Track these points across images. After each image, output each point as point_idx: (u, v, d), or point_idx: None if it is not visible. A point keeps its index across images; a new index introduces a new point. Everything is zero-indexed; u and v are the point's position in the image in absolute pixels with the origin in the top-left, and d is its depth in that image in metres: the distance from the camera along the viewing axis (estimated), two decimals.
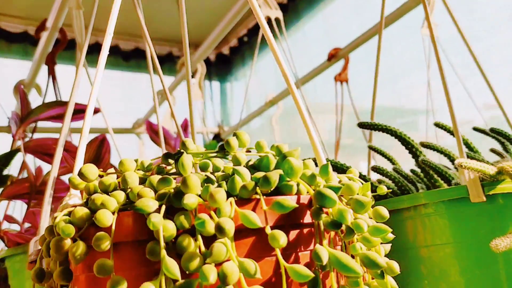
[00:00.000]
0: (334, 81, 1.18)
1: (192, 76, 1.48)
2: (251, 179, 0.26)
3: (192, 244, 0.23)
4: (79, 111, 0.76)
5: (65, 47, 0.99)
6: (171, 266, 0.22)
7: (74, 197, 0.32)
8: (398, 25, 1.05)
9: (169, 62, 2.19)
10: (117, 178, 0.33)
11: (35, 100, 1.25)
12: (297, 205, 0.24)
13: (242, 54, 2.13)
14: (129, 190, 0.28)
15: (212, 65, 2.26)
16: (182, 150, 0.29)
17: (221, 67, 2.26)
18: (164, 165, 0.31)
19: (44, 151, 0.74)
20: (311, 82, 1.63)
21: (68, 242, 0.26)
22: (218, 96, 2.28)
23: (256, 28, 2.04)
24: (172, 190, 0.25)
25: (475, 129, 0.57)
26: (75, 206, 0.30)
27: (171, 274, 0.22)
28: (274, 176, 0.25)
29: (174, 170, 0.31)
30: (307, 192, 0.27)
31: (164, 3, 1.92)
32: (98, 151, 0.63)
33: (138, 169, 0.30)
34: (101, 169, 0.63)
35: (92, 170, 0.30)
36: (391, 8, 1.31)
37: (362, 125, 0.45)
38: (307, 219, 0.26)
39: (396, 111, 1.65)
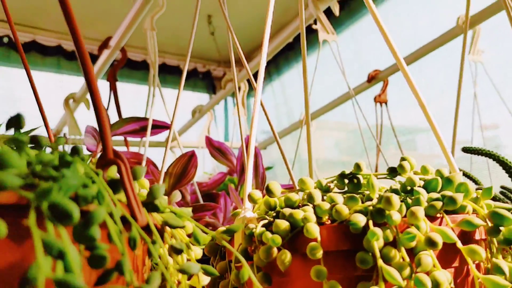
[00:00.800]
0: (374, 101, 1.23)
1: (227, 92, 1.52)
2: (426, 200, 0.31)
3: (397, 255, 0.27)
4: (156, 127, 0.81)
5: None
6: (393, 273, 0.26)
7: (248, 211, 0.36)
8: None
9: (194, 77, 2.24)
10: (264, 194, 0.37)
11: (83, 113, 1.30)
12: (484, 223, 0.28)
13: (268, 70, 2.19)
14: (315, 205, 0.32)
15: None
16: (354, 172, 0.33)
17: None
18: (330, 184, 0.35)
19: None
20: (321, 100, 1.68)
21: (275, 250, 0.30)
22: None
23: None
24: (372, 208, 0.29)
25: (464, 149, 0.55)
26: (256, 218, 0.34)
27: (394, 280, 0.26)
28: (460, 197, 0.29)
29: (337, 189, 0.35)
30: (473, 211, 0.31)
31: (191, 20, 1.97)
32: (186, 166, 0.67)
33: (315, 187, 0.34)
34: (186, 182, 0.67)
35: (277, 187, 0.34)
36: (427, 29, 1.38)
37: (466, 150, 0.49)
38: (477, 235, 0.30)
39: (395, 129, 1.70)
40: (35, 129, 0.66)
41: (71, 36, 0.28)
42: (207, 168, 1.61)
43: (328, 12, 1.02)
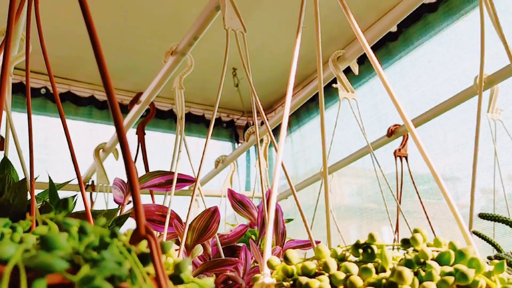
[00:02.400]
0: (393, 155, 1.24)
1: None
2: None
3: None
4: (182, 180, 0.84)
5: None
6: None
7: (266, 276, 0.38)
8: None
9: (217, 126, 2.30)
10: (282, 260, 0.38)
11: (113, 163, 1.35)
12: None
13: (288, 120, 2.23)
14: (330, 274, 0.33)
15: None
16: (368, 242, 0.35)
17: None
18: (344, 252, 0.36)
19: (147, 216, 0.80)
20: (341, 150, 1.69)
21: None
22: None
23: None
24: (385, 281, 0.30)
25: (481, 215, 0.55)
26: (274, 285, 0.35)
27: None
28: (471, 273, 0.30)
29: (353, 258, 0.36)
30: (487, 285, 0.32)
31: (217, 72, 2.06)
32: (209, 221, 0.70)
33: (331, 256, 0.36)
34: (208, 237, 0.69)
35: (294, 256, 0.35)
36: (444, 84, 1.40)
37: (483, 216, 0.50)
38: None
39: (418, 177, 1.67)
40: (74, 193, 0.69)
41: (104, 88, 0.31)
42: (229, 216, 1.63)
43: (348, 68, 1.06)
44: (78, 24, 1.68)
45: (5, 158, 0.72)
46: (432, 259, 0.34)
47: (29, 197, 0.69)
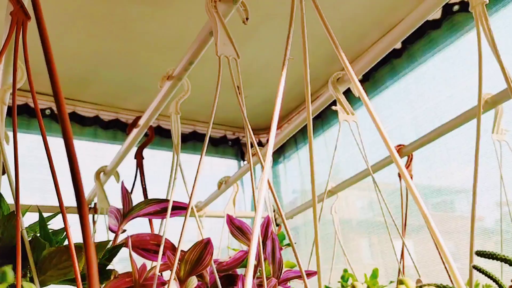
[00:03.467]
0: (398, 176, 1.21)
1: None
2: None
3: None
4: (176, 208, 0.82)
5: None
6: None
7: None
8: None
9: (223, 144, 2.29)
10: None
11: (114, 186, 1.34)
12: None
13: (295, 138, 2.22)
14: None
15: (264, 147, 2.35)
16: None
17: (274, 150, 2.35)
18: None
19: (142, 246, 0.79)
20: (347, 168, 1.66)
21: None
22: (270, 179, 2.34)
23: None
24: None
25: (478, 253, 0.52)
26: None
27: None
28: None
29: None
30: None
31: (221, 91, 2.05)
32: (202, 253, 0.68)
33: None
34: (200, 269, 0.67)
35: None
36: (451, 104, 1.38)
37: (480, 254, 0.47)
38: None
39: (431, 189, 1.63)
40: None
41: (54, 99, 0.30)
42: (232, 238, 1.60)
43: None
44: (83, 46, 1.70)
45: None
46: None
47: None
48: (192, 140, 2.21)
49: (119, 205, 1.42)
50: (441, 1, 0.74)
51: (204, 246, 0.68)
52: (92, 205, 1.49)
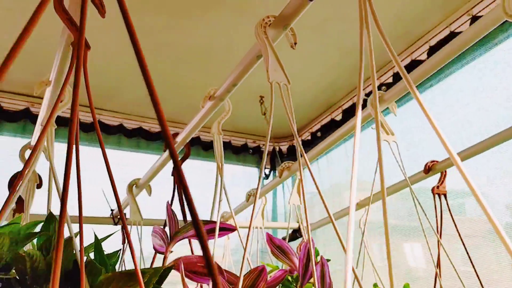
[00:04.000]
0: (432, 193, 1.21)
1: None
2: None
3: None
4: (223, 229, 0.83)
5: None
6: None
7: None
8: None
9: (243, 152, 2.30)
10: None
11: (144, 199, 1.35)
12: None
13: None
14: None
15: (284, 156, 2.35)
16: None
17: (292, 158, 2.35)
18: None
19: (189, 268, 0.80)
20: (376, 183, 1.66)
21: None
22: (290, 188, 2.35)
23: (329, 124, 2.15)
24: None
25: None
26: None
27: None
28: None
29: None
30: None
31: (244, 100, 2.06)
32: (255, 281, 0.68)
33: None
34: None
35: None
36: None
37: None
38: None
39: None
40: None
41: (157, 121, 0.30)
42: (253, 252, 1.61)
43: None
44: (109, 57, 1.72)
45: (50, 213, 0.73)
46: None
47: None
48: (212, 149, 2.22)
49: (149, 217, 1.43)
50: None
51: (258, 274, 0.68)
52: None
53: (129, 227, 1.35)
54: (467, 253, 1.14)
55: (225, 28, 1.59)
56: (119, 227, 1.51)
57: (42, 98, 2.03)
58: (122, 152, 2.05)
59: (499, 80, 1.48)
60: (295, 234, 1.76)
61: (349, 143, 2.08)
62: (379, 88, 1.76)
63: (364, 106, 1.02)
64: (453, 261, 1.48)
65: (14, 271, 0.65)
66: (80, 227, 0.60)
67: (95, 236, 0.70)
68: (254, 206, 0.66)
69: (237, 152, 2.27)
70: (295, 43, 0.76)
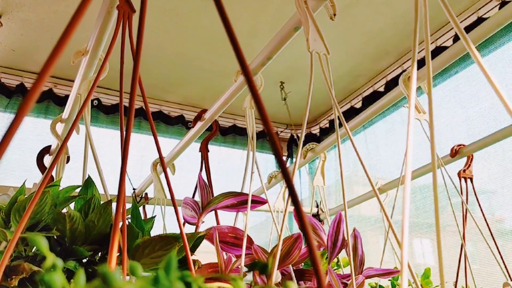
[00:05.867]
0: (458, 176, 1.20)
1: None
2: None
3: None
4: (254, 202, 0.83)
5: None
6: None
7: None
8: None
9: (261, 139, 2.30)
10: None
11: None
12: None
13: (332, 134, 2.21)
14: None
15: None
16: None
17: None
18: None
19: (220, 238, 0.80)
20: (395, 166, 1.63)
21: None
22: (305, 175, 2.35)
23: (348, 112, 2.13)
24: None
25: None
26: None
27: None
28: None
29: None
30: None
31: (265, 86, 2.05)
32: (291, 248, 0.68)
33: None
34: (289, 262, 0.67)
35: None
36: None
37: None
38: None
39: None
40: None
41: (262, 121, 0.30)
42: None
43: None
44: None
45: (89, 178, 0.73)
46: None
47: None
48: (232, 134, 2.22)
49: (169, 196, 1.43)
50: None
51: (294, 241, 0.68)
52: (143, 195, 1.51)
53: (152, 206, 1.36)
54: (497, 247, 1.13)
55: (250, 13, 1.58)
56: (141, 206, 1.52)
57: (65, 79, 2.03)
58: (141, 135, 2.06)
59: None
60: (315, 217, 1.76)
61: (369, 130, 2.07)
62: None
63: (396, 85, 1.01)
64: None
65: (55, 231, 0.66)
66: (121, 187, 0.60)
67: (134, 200, 0.71)
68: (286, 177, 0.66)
69: (256, 138, 2.27)
70: (334, 14, 0.75)
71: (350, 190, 2.12)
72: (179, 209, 0.94)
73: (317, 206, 1.82)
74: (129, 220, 0.74)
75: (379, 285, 1.23)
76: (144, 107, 2.05)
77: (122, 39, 0.62)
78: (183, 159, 1.40)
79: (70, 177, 1.03)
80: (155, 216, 0.73)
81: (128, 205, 1.50)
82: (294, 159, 2.28)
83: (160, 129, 2.09)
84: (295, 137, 2.35)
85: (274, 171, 1.46)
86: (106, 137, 1.99)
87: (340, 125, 0.67)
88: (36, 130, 1.84)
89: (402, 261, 0.37)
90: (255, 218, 1.80)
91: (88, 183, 0.72)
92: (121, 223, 0.77)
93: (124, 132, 0.57)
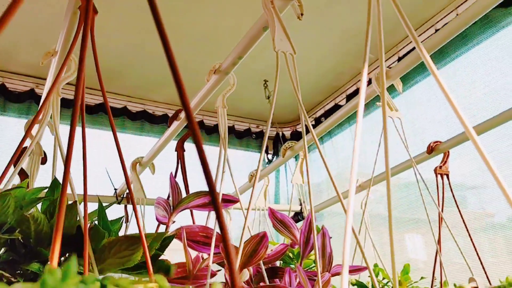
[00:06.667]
0: (434, 173, 1.21)
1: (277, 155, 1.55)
2: None
3: None
4: (226, 201, 0.83)
5: None
6: None
7: None
8: None
9: (247, 137, 2.30)
10: None
11: (146, 176, 1.36)
12: None
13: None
14: None
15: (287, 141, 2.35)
16: None
17: None
18: None
19: (191, 237, 0.80)
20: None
21: None
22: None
23: (333, 109, 2.14)
24: None
25: None
26: None
27: None
28: None
29: None
30: None
31: (247, 84, 2.06)
32: (257, 246, 0.69)
33: None
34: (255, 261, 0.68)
35: None
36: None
37: None
38: None
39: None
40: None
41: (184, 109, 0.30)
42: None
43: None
44: (115, 38, 1.72)
45: (55, 179, 0.73)
46: None
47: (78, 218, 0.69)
48: (216, 133, 2.22)
49: (151, 196, 1.43)
50: None
51: (260, 239, 0.69)
52: (125, 195, 1.51)
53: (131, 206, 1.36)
54: (470, 237, 1.14)
55: (232, 11, 1.58)
56: (122, 206, 1.52)
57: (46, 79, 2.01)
58: (126, 135, 2.05)
59: (506, 64, 1.47)
60: (297, 216, 1.77)
61: (353, 127, 2.07)
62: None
63: (369, 84, 1.02)
64: (450, 253, 1.48)
65: (18, 233, 0.66)
66: (85, 187, 0.60)
67: (99, 202, 0.71)
68: (255, 179, 0.66)
69: (240, 136, 2.27)
70: (302, 14, 0.75)
71: (342, 187, 2.12)
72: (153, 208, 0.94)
73: (301, 205, 1.83)
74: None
75: (358, 281, 1.24)
76: (108, 103, 2.05)
77: (82, 40, 0.62)
78: (163, 158, 1.40)
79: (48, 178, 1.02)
80: (122, 216, 0.73)
81: (115, 207, 1.48)
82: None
83: (144, 128, 2.09)
84: (281, 135, 2.35)
85: (255, 169, 1.46)
86: (90, 137, 1.98)
87: (308, 132, 0.67)
88: (18, 132, 1.83)
89: (344, 260, 0.37)
90: (235, 216, 1.80)
91: (55, 184, 0.71)
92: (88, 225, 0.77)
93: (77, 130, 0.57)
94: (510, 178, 1.40)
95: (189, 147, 2.17)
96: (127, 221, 1.43)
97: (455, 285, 0.62)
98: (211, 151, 2.20)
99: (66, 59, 0.66)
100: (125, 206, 1.48)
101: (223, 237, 0.27)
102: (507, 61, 1.46)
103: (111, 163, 1.84)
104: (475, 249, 1.13)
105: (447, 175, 1.19)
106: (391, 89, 1.33)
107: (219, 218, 0.27)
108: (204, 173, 0.29)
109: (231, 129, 2.25)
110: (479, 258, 1.11)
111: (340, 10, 1.61)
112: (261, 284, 0.74)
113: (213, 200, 0.24)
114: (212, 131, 2.21)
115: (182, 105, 0.30)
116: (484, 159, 0.41)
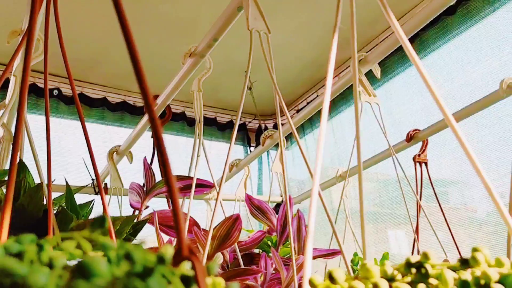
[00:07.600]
0: (413, 161, 1.21)
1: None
2: None
3: None
4: (200, 185, 0.82)
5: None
6: None
7: None
8: None
9: (229, 129, 2.28)
10: None
11: (125, 167, 1.33)
12: None
13: (302, 124, 2.21)
14: None
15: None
16: (422, 261, 0.32)
17: None
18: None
19: (164, 222, 0.78)
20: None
21: None
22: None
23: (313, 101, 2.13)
24: None
25: None
26: None
27: None
28: None
29: (408, 278, 0.33)
30: None
31: (229, 75, 2.04)
32: (230, 229, 0.67)
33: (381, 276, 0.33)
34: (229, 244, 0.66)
35: (340, 276, 0.33)
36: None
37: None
38: None
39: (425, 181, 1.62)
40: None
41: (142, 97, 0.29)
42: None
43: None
44: (92, 27, 1.68)
45: (21, 162, 0.71)
46: (496, 283, 0.31)
47: (45, 202, 0.67)
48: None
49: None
50: None
51: (233, 222, 0.67)
52: (103, 186, 1.48)
53: (108, 196, 1.33)
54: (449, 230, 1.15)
55: (214, 1, 1.56)
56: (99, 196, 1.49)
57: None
58: (105, 126, 2.02)
59: (484, 55, 1.48)
60: (278, 207, 1.76)
61: (335, 119, 2.07)
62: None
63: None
64: (432, 247, 1.48)
65: None
66: (49, 166, 0.58)
67: (67, 184, 0.68)
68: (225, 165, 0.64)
69: (223, 129, 2.25)
70: None
71: (324, 177, 2.12)
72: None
73: (281, 195, 1.81)
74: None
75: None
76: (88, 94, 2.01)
77: (46, 19, 0.59)
78: (141, 148, 1.37)
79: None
80: (93, 200, 0.71)
81: (85, 197, 1.45)
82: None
83: (125, 119, 2.05)
84: (263, 127, 2.34)
85: (236, 159, 1.45)
86: (69, 128, 1.94)
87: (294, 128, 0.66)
88: None
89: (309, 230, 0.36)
90: (229, 208, 1.78)
91: (20, 167, 0.69)
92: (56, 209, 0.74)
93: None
94: (488, 169, 1.41)
95: (171, 145, 2.14)
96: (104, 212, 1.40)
97: None
98: (178, 140, 2.17)
99: (31, 34, 0.63)
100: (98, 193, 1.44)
101: (173, 207, 0.26)
102: (485, 51, 1.47)
103: (95, 154, 1.78)
104: (455, 242, 1.14)
105: (426, 163, 1.20)
106: (371, 77, 1.32)
107: (173, 196, 0.25)
108: (158, 153, 0.27)
109: (214, 121, 2.22)
110: (459, 252, 1.12)
111: (321, 1, 1.60)
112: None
113: (166, 181, 0.23)
114: (193, 123, 2.18)
115: (139, 88, 0.28)
116: (463, 146, 0.40)
